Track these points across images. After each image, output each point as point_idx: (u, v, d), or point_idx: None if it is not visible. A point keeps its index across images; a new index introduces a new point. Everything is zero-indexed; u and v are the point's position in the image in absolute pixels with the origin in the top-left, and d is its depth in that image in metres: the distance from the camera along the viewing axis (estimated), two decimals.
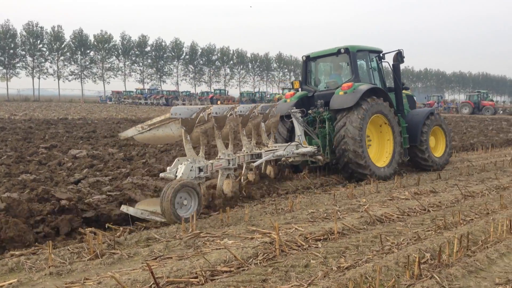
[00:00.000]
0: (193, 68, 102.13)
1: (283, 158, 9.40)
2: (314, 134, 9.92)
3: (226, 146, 7.83)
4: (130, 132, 6.59)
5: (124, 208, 6.21)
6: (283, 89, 70.50)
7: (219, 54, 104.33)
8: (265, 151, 8.62)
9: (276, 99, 60.46)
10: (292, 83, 11.08)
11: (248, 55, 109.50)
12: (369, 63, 10.77)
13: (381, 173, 9.73)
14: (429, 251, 4.78)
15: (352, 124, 9.40)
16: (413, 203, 7.30)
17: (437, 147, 11.81)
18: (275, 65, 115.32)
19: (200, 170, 6.88)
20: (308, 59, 11.05)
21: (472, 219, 6.31)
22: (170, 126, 6.63)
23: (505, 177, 10.19)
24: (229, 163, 7.57)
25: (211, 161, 7.24)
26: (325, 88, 10.87)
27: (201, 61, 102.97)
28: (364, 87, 9.82)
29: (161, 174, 6.82)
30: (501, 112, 57.28)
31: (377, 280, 3.85)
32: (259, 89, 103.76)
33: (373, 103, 9.76)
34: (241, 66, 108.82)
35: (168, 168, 6.88)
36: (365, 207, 6.74)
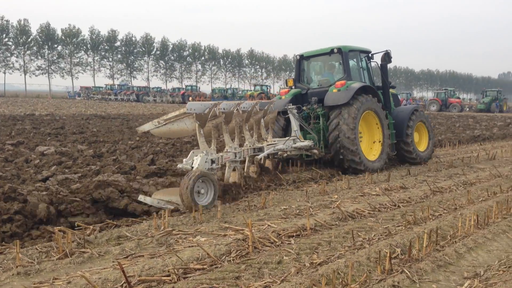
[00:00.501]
0: (164, 64, 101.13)
1: (280, 152, 9.84)
2: (310, 129, 10.47)
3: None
4: (147, 127, 7.09)
5: (141, 198, 6.64)
6: (255, 85, 70.34)
7: (190, 50, 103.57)
8: (267, 145, 9.16)
9: (247, 95, 60.19)
10: (286, 81, 11.79)
11: (220, 51, 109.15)
12: (360, 63, 11.47)
13: (372, 166, 10.39)
14: (400, 246, 4.86)
15: (346, 119, 10.07)
16: (384, 199, 7.38)
17: (420, 142, 12.47)
18: (246, 61, 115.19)
19: (213, 162, 7.40)
20: (302, 58, 11.67)
21: (440, 214, 6.41)
22: (184, 120, 7.12)
23: (472, 173, 10.40)
24: (235, 156, 8.11)
25: (220, 154, 7.76)
26: (318, 86, 11.48)
27: (172, 57, 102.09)
28: (356, 85, 10.48)
29: (179, 165, 7.36)
30: (467, 109, 58.65)
31: (349, 276, 3.89)
32: (231, 85, 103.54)
33: (364, 100, 10.42)
34: (213, 62, 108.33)
35: (184, 160, 7.39)
36: (337, 203, 6.77)
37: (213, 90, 74.83)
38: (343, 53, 10.92)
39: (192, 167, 7.07)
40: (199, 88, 78.54)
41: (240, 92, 73.55)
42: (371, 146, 10.90)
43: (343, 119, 10.04)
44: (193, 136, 13.40)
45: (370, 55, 11.64)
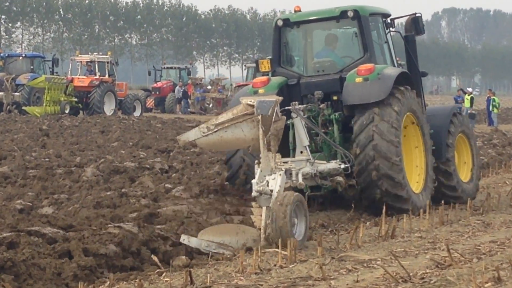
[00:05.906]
0: None
1: None
2: (332, 142, 10.24)
3: None
4: (192, 135, 8.67)
5: (184, 239, 7.67)
6: None
7: None
8: (294, 167, 9.30)
9: None
10: (257, 63, 11.28)
11: None
12: (381, 34, 11.32)
13: (417, 201, 10.23)
14: None
15: (386, 124, 10.02)
16: None
17: (460, 165, 12.21)
18: None
19: None
20: (287, 24, 11.15)
21: None
22: (241, 126, 8.38)
23: (345, 275, 7.26)
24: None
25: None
26: (317, 71, 11.25)
27: None
28: (392, 71, 10.55)
29: (255, 189, 8.27)
30: None
31: None
32: None
33: (408, 95, 10.47)
34: None
35: (252, 181, 8.44)
36: None
37: None
38: (362, 19, 10.75)
39: (272, 191, 8.19)
40: None
41: None
42: (409, 169, 10.66)
43: (380, 124, 9.96)
44: None
45: (389, 20, 11.56)
